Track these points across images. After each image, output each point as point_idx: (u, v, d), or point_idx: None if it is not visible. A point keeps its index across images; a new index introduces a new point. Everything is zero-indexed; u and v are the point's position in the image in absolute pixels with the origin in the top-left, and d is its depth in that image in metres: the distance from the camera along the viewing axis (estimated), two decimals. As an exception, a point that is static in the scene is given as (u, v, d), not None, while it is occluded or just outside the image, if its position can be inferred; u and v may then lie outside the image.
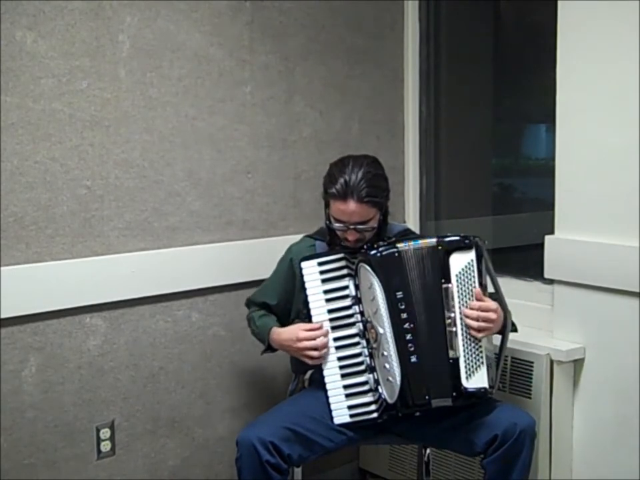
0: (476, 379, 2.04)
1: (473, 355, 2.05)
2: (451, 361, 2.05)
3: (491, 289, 2.15)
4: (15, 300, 2.19)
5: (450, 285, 2.07)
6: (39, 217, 2.24)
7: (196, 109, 2.53)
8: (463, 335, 2.05)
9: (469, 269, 2.07)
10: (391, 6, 3.04)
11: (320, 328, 2.17)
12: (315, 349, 2.15)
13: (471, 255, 2.07)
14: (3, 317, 2.18)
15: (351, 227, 2.14)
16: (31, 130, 2.21)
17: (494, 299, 2.11)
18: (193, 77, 2.52)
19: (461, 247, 2.08)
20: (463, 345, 2.05)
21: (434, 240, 2.10)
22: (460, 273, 2.07)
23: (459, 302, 2.06)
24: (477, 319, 2.03)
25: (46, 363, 2.29)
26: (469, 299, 2.06)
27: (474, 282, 2.07)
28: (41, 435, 2.30)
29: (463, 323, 2.05)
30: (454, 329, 2.06)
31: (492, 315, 2.05)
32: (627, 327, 2.30)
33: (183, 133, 2.51)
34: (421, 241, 2.11)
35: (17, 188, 2.20)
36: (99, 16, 2.30)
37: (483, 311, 2.04)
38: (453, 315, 2.06)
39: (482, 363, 2.04)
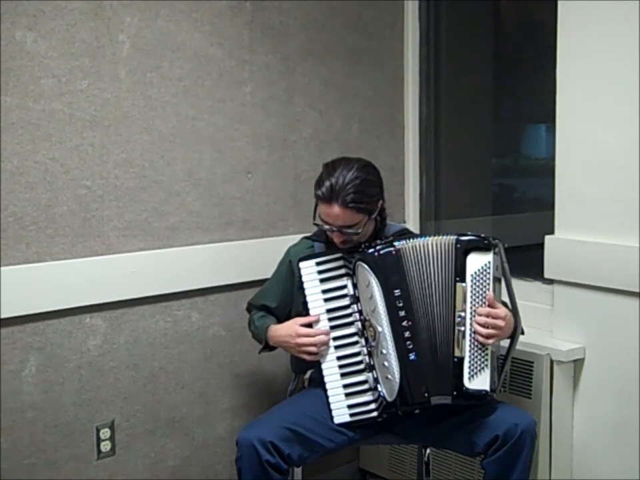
0: (478, 381, 2.03)
1: (479, 357, 2.04)
2: (455, 359, 2.04)
3: (504, 292, 2.14)
4: (15, 300, 2.19)
5: (464, 284, 2.06)
6: (39, 217, 2.24)
7: (196, 109, 2.53)
8: (470, 335, 2.04)
9: (485, 270, 2.05)
10: (390, 6, 3.04)
11: (317, 321, 2.18)
12: (313, 345, 2.16)
13: (488, 257, 2.06)
14: (3, 317, 2.18)
15: (335, 229, 2.14)
16: (31, 130, 2.21)
17: (505, 303, 2.11)
18: (193, 77, 2.52)
19: (480, 247, 2.07)
20: (470, 346, 2.04)
21: (453, 237, 2.09)
22: (476, 273, 2.06)
23: (471, 302, 2.05)
24: (485, 325, 2.02)
25: (46, 362, 2.29)
26: (482, 299, 2.05)
27: (489, 284, 2.05)
28: (41, 434, 2.30)
29: (472, 324, 2.04)
30: (462, 329, 2.05)
31: (500, 323, 2.03)
32: (627, 327, 2.30)
33: (183, 133, 2.51)
34: (437, 238, 2.10)
35: (17, 188, 2.20)
36: (99, 16, 2.30)
37: (492, 317, 2.03)
38: (463, 314, 2.05)
39: (486, 365, 2.03)
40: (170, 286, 2.50)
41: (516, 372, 2.47)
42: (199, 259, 2.56)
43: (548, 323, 2.55)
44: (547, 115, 2.55)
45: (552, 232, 2.50)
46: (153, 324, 2.50)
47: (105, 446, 2.42)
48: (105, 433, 2.42)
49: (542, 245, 2.51)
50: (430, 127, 3.17)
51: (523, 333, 2.22)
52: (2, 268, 2.17)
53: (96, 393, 2.40)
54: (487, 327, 2.02)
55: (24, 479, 2.27)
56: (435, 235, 2.12)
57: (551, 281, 2.54)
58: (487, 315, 2.03)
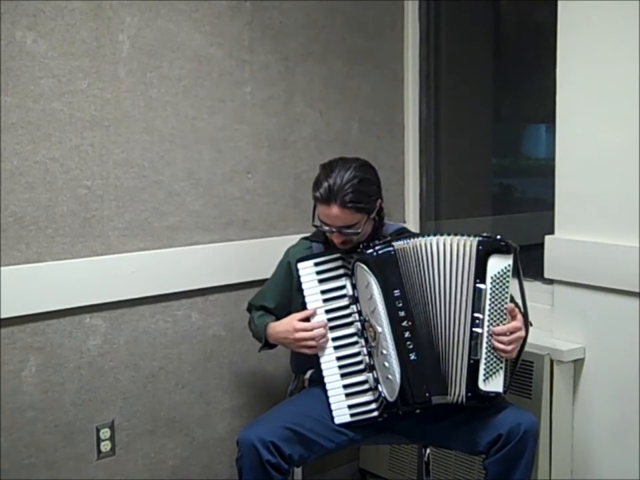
0: (493, 383, 2.03)
1: (494, 360, 2.04)
2: (471, 361, 2.04)
3: (516, 295, 2.14)
4: (15, 300, 2.19)
5: (483, 286, 2.04)
6: (39, 217, 2.24)
7: (196, 109, 2.53)
8: (487, 337, 2.04)
9: (505, 273, 2.04)
10: (391, 6, 3.04)
11: (314, 314, 2.17)
12: (312, 338, 2.15)
13: (509, 260, 2.05)
14: (3, 317, 2.18)
15: (334, 230, 2.14)
16: (31, 130, 2.21)
17: (516, 304, 2.11)
18: (193, 77, 2.52)
19: (502, 250, 2.06)
20: (487, 348, 2.04)
21: (474, 239, 2.07)
22: (495, 275, 2.04)
23: (490, 305, 2.04)
24: (508, 343, 2.03)
25: (46, 362, 2.29)
26: (500, 302, 2.04)
27: (508, 287, 2.04)
28: (41, 434, 2.30)
29: (490, 327, 2.04)
30: (479, 331, 2.04)
31: (522, 334, 2.05)
32: (627, 327, 2.30)
33: (183, 133, 2.51)
34: (445, 237, 2.08)
35: (17, 188, 2.20)
36: (99, 16, 2.30)
37: (512, 332, 2.03)
38: (481, 316, 2.04)
39: (501, 367, 2.04)
40: (170, 286, 2.50)
41: (516, 372, 2.46)
42: (199, 259, 2.56)
43: (548, 323, 2.55)
44: (547, 115, 2.55)
45: (552, 232, 2.50)
46: (152, 324, 2.50)
47: (105, 446, 2.42)
48: (105, 432, 2.42)
49: (542, 245, 2.51)
50: (430, 127, 3.17)
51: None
52: (2, 268, 2.17)
53: (96, 393, 2.40)
54: (507, 344, 2.02)
55: (24, 479, 2.27)
56: (438, 235, 2.10)
57: (551, 281, 2.54)
58: (508, 332, 2.03)
